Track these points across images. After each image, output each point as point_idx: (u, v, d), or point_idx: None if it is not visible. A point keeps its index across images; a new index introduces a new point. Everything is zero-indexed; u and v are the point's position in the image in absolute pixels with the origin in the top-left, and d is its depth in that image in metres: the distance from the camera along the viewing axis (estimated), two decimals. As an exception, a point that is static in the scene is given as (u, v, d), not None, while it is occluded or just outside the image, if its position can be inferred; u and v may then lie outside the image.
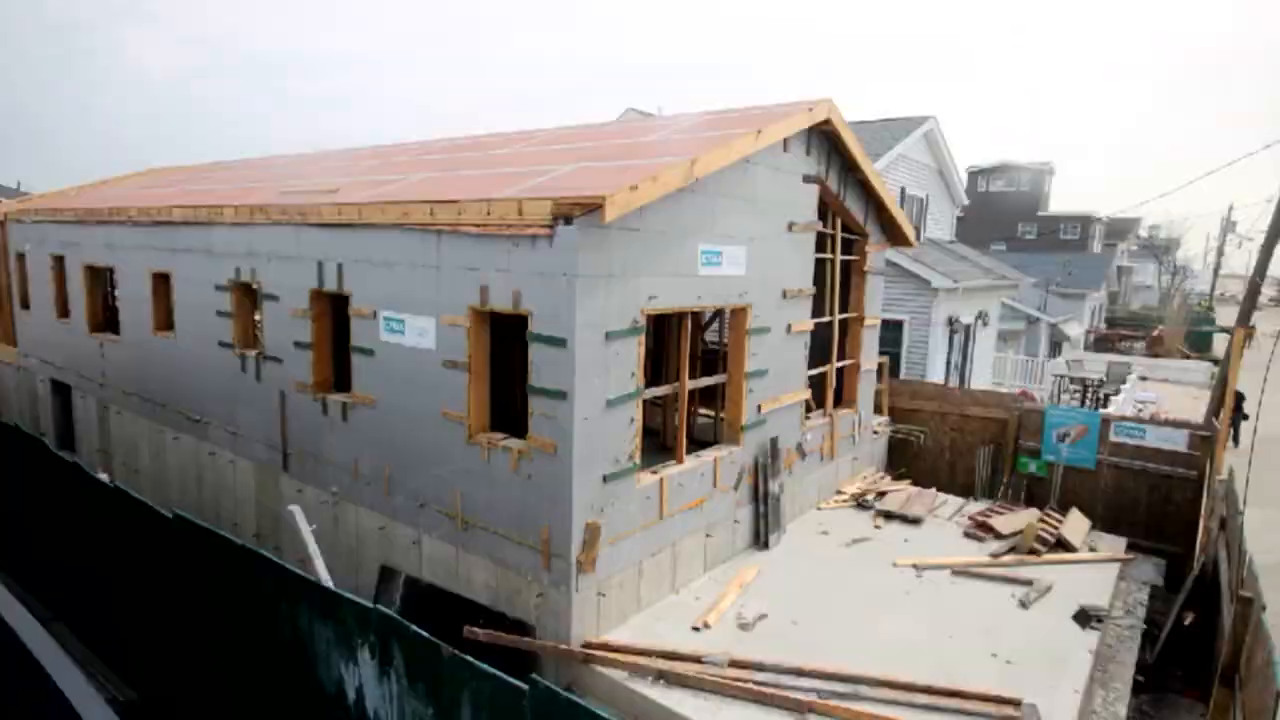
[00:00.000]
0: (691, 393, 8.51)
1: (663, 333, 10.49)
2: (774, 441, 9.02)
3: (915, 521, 10.01)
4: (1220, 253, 49.09)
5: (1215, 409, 13.67)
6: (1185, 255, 68.98)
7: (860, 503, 10.58)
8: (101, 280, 12.96)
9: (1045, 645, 7.01)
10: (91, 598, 8.18)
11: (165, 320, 11.04)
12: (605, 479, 6.62)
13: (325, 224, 8.15)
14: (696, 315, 11.29)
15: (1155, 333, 40.09)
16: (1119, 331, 43.10)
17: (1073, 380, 22.01)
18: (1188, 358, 35.84)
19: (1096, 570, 8.82)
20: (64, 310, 13.32)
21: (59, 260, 13.22)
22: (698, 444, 8.78)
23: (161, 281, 10.99)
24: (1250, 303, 14.14)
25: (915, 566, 8.56)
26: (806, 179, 9.03)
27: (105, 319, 12.82)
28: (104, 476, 7.74)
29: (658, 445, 10.11)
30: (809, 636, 6.97)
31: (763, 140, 7.68)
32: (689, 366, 8.29)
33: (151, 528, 6.68)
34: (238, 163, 15.96)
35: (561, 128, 10.88)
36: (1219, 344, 35.65)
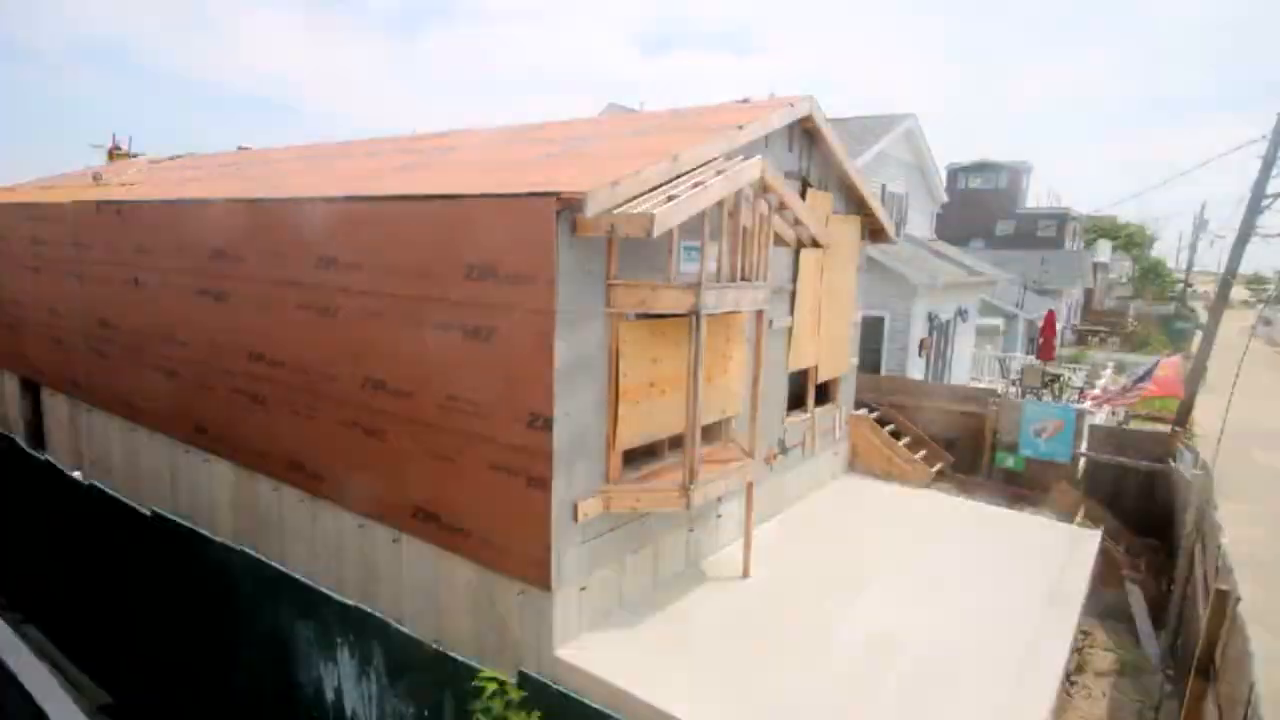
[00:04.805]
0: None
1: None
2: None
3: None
4: (1193, 250, 49.88)
5: (1188, 404, 13.88)
6: (1160, 250, 70.12)
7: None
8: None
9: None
10: (64, 599, 8.04)
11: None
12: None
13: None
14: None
15: (1130, 329, 40.69)
16: (1094, 327, 43.69)
17: (1029, 372, 22.01)
18: (1162, 353, 36.37)
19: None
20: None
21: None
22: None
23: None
24: (1223, 300, 14.38)
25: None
26: (788, 175, 9.03)
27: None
28: (77, 474, 7.61)
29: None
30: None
31: (744, 136, 7.66)
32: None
33: (127, 526, 6.57)
34: (201, 157, 15.73)
35: (543, 122, 10.81)
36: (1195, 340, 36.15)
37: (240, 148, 17.24)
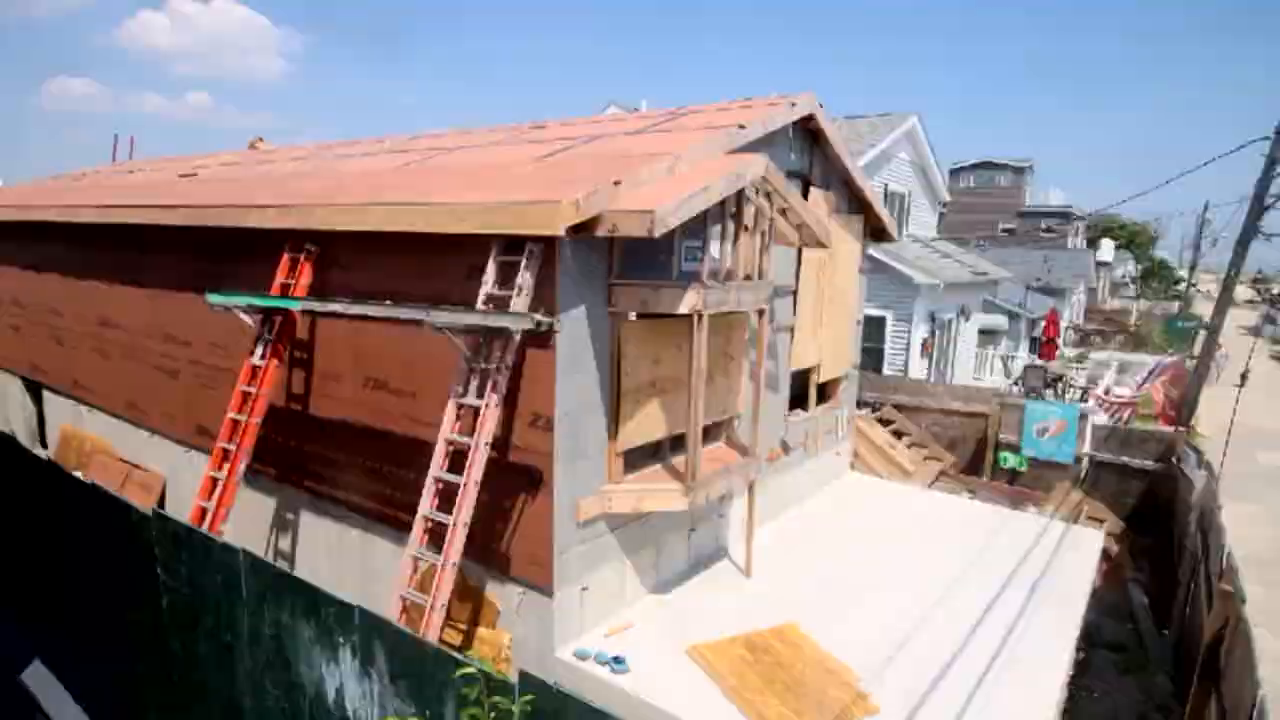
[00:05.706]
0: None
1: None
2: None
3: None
4: (1196, 249, 49.72)
5: (1192, 404, 13.84)
6: (1164, 249, 69.94)
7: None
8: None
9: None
10: (63, 598, 8.05)
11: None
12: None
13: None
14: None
15: (1133, 328, 40.60)
16: (1098, 326, 43.59)
17: (1031, 372, 22.00)
18: (1165, 353, 36.28)
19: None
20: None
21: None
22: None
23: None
24: (1226, 299, 14.34)
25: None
26: (790, 174, 9.01)
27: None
28: (79, 474, 7.61)
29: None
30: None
31: (746, 135, 7.64)
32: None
33: (128, 526, 6.56)
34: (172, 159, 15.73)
35: (544, 122, 10.79)
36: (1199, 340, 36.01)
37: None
